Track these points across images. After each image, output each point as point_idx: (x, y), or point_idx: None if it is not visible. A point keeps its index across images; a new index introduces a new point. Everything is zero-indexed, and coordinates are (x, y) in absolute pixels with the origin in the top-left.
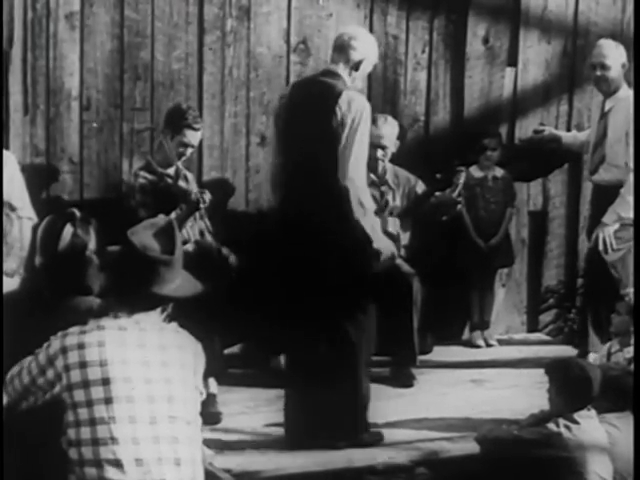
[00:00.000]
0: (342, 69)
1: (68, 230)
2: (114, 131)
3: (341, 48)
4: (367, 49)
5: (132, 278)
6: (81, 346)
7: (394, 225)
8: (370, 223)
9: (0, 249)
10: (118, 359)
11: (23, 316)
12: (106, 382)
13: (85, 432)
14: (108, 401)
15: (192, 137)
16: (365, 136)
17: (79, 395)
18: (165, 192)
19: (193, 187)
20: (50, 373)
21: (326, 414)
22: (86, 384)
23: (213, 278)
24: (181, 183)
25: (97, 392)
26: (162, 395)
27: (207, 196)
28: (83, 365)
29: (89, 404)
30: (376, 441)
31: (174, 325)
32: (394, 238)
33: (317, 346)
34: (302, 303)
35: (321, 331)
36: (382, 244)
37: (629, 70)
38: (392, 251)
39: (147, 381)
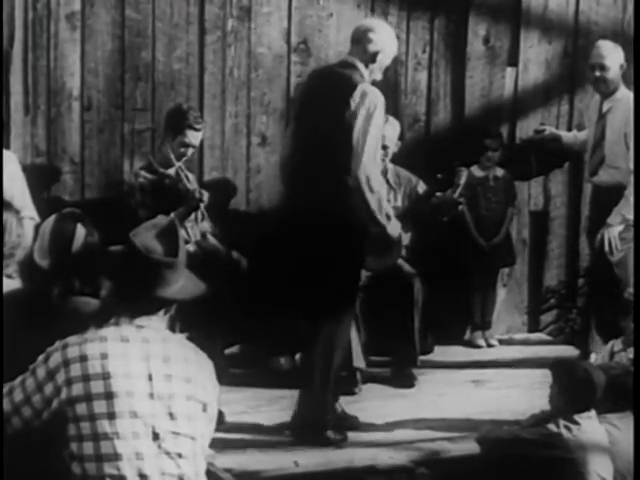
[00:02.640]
0: (359, 61)
1: (81, 231)
2: (115, 131)
3: (358, 40)
4: (384, 41)
5: (135, 281)
6: (83, 358)
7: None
8: (384, 209)
9: (0, 249)
10: (121, 373)
11: (25, 316)
12: (109, 396)
13: (88, 447)
14: (111, 416)
15: (193, 137)
16: (378, 128)
17: (81, 409)
18: (165, 192)
19: (194, 187)
20: (48, 388)
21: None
22: (89, 398)
23: (221, 281)
24: (182, 183)
25: (100, 406)
26: (165, 410)
27: (205, 195)
28: (86, 378)
29: (92, 418)
30: (339, 441)
31: (180, 337)
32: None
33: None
34: (304, 300)
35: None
36: (393, 229)
37: (629, 70)
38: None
39: (150, 396)
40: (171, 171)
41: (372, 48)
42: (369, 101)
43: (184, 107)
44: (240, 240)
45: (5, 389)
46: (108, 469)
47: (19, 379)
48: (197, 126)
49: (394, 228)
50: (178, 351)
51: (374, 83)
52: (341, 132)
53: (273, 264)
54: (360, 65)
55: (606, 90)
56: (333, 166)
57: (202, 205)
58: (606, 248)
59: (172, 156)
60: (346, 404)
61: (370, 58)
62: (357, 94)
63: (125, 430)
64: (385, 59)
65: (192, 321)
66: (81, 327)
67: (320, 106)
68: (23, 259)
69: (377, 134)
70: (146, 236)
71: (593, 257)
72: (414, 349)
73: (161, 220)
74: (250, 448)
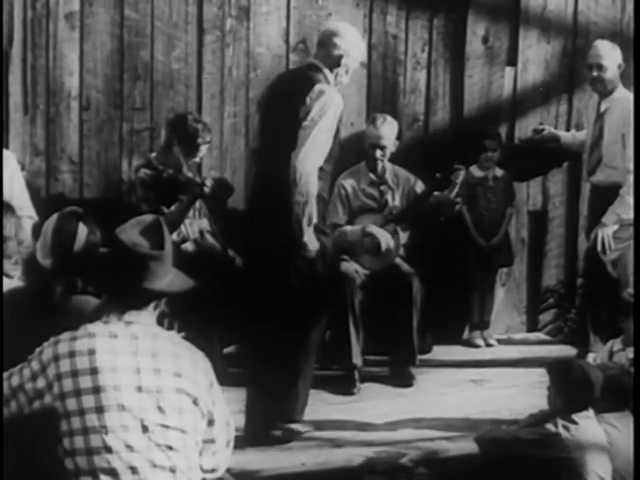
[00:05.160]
0: (323, 64)
1: (83, 229)
2: (114, 131)
3: (323, 44)
4: (349, 45)
5: (123, 275)
6: (72, 354)
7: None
8: (308, 212)
9: (0, 249)
10: (109, 367)
11: (26, 315)
12: (97, 391)
13: (79, 441)
14: (99, 410)
15: (204, 149)
16: (328, 128)
17: (71, 404)
18: (166, 184)
19: (194, 175)
20: (40, 381)
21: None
22: (78, 393)
23: (218, 279)
24: (182, 174)
25: (88, 401)
26: (154, 403)
27: (208, 181)
28: (75, 374)
29: (81, 413)
30: (284, 439)
31: (172, 333)
32: (393, 236)
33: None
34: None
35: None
36: (309, 239)
37: (628, 70)
38: (316, 250)
39: (138, 389)
40: (171, 170)
41: (337, 52)
42: (324, 100)
43: (193, 124)
44: (238, 239)
45: (6, 374)
46: (99, 462)
47: (19, 366)
48: (208, 139)
49: (309, 236)
50: (167, 347)
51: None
52: (295, 128)
53: (261, 262)
54: (324, 68)
55: (603, 90)
56: (285, 160)
57: (206, 190)
58: (599, 247)
59: (184, 164)
60: (345, 404)
61: (335, 62)
62: (314, 92)
63: (114, 423)
64: (351, 63)
65: (190, 321)
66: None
67: (281, 105)
68: (26, 258)
69: (325, 132)
70: (132, 232)
71: (587, 256)
72: (413, 348)
73: (145, 217)
74: (249, 448)
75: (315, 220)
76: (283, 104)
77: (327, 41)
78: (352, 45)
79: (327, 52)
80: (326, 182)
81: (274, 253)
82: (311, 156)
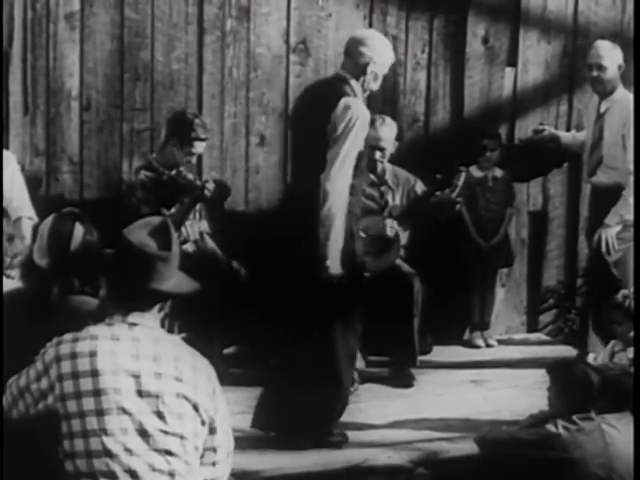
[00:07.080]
0: (350, 74)
1: (79, 229)
2: (114, 131)
3: (349, 53)
4: (374, 53)
5: (130, 275)
6: (73, 356)
7: (392, 225)
8: (334, 234)
9: (0, 249)
10: (110, 370)
11: (24, 316)
12: (97, 393)
13: (79, 444)
14: (99, 413)
15: (200, 147)
16: (355, 144)
17: (72, 406)
18: (167, 186)
19: (195, 177)
20: (44, 382)
21: (298, 414)
22: (78, 395)
23: (218, 282)
24: (182, 176)
25: (88, 403)
26: (154, 408)
27: (210, 185)
28: (75, 375)
29: (81, 415)
30: (340, 442)
31: (175, 337)
32: (393, 239)
33: (303, 348)
34: (291, 305)
35: (308, 333)
36: (333, 263)
37: (628, 70)
38: (338, 275)
39: (139, 393)
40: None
41: (362, 60)
42: (349, 116)
43: (189, 116)
44: (238, 240)
45: (16, 375)
46: (98, 465)
47: (26, 368)
48: (203, 136)
49: (333, 260)
50: (169, 350)
51: (371, 93)
52: (321, 145)
53: (266, 265)
54: (351, 78)
55: (603, 90)
56: (311, 178)
57: (207, 192)
58: (603, 248)
59: (181, 159)
60: None
61: (361, 70)
62: (339, 108)
63: (113, 426)
64: (378, 69)
65: (190, 322)
66: (81, 326)
67: (308, 120)
68: (23, 259)
69: (353, 149)
70: (139, 233)
71: (590, 257)
72: (413, 349)
73: (153, 219)
74: (249, 448)
75: (341, 243)
76: (310, 120)
77: (353, 51)
78: (378, 51)
79: (353, 61)
80: (356, 197)
81: (298, 271)
82: (341, 176)
